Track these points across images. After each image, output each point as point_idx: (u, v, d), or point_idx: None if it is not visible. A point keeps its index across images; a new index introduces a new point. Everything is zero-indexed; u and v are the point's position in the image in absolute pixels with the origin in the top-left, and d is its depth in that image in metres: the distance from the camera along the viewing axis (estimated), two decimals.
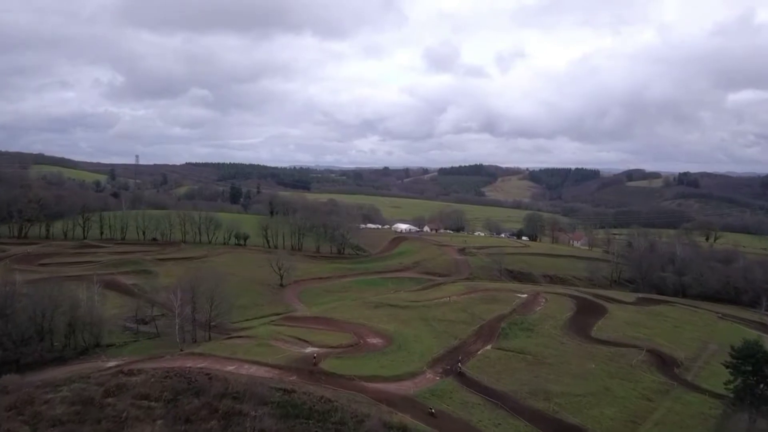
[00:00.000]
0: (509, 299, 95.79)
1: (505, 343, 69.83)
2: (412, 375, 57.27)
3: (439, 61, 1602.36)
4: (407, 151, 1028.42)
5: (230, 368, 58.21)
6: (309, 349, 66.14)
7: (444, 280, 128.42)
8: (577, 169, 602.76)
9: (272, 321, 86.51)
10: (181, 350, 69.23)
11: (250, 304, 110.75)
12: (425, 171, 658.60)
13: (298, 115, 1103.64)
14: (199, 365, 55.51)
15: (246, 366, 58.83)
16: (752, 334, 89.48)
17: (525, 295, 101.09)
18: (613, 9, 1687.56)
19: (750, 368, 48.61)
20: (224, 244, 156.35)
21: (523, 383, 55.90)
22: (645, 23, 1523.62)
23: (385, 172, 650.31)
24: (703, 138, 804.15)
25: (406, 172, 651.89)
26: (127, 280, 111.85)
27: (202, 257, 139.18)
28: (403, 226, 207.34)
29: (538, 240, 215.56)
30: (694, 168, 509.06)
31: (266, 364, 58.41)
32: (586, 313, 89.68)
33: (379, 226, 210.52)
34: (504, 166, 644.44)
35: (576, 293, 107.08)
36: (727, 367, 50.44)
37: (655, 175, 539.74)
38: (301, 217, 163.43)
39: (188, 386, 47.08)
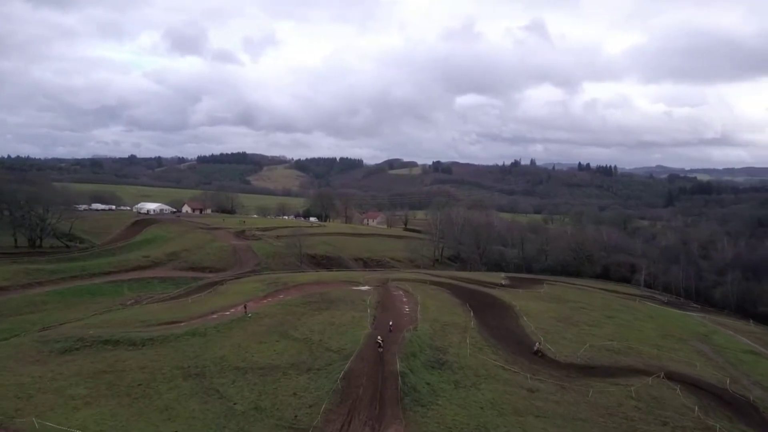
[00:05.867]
0: (352, 298, 53.94)
1: (425, 417, 27.14)
2: None
3: (185, 42, 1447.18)
4: (158, 143, 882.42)
5: None
6: None
7: (222, 276, 79.27)
8: (342, 158, 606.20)
9: None
10: None
11: None
12: (182, 160, 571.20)
13: (19, 100, 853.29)
14: None
15: None
16: (674, 313, 65.83)
17: (367, 288, 61.17)
18: (362, 6, 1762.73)
19: None
20: None
21: None
22: (389, 24, 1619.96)
23: (132, 160, 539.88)
24: (439, 136, 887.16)
25: (158, 161, 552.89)
26: None
27: None
28: (151, 206, 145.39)
29: (329, 220, 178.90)
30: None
31: None
32: (486, 310, 53.11)
33: (113, 207, 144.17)
34: (269, 155, 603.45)
35: (435, 279, 70.72)
36: None
37: (413, 164, 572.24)
38: None
39: None
